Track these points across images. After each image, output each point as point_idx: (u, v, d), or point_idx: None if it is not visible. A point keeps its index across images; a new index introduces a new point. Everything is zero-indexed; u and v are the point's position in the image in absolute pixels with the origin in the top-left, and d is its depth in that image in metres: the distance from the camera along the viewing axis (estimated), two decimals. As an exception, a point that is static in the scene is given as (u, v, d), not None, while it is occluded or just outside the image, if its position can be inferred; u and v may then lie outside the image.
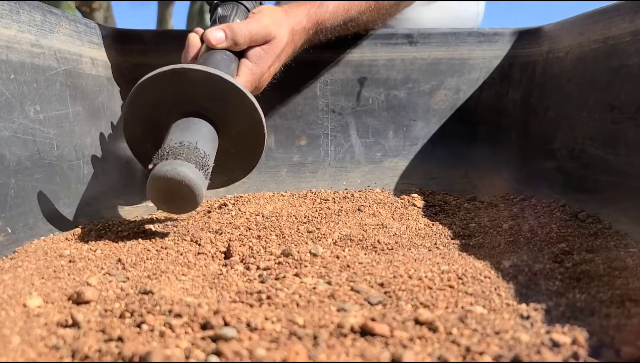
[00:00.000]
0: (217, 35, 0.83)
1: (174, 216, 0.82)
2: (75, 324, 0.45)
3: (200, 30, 0.90)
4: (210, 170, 0.69)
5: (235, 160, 0.78)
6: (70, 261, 0.61)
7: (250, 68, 0.86)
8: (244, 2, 0.95)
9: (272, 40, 0.89)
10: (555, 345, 0.38)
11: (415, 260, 0.62)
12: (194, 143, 0.68)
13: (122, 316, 0.46)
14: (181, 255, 0.66)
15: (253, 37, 0.86)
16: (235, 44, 0.85)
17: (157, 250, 0.67)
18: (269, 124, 1.20)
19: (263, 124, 0.75)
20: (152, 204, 0.95)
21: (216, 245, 0.69)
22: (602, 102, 0.88)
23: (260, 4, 0.99)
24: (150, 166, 0.66)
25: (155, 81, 0.71)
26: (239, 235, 0.72)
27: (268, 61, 0.89)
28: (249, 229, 0.75)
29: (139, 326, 0.44)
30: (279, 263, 0.62)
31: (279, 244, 0.68)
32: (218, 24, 0.90)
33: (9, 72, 0.74)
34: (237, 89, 0.72)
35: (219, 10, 0.94)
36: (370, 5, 1.07)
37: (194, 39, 0.88)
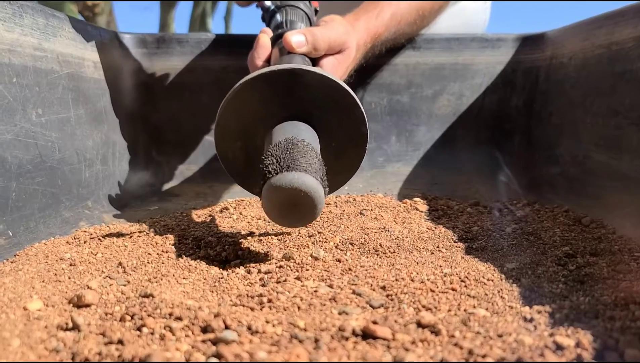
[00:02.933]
0: (298, 39, 0.80)
1: (176, 219, 0.81)
2: (75, 327, 0.45)
3: (268, 31, 0.87)
4: (326, 179, 0.63)
5: (331, 172, 0.68)
6: (70, 265, 0.61)
7: None
8: (302, 7, 0.93)
9: (346, 51, 0.87)
10: (559, 347, 0.38)
11: (417, 263, 0.61)
12: (311, 147, 0.64)
13: (122, 319, 0.46)
14: (182, 258, 0.65)
15: (331, 45, 0.84)
16: (315, 49, 0.81)
17: (157, 254, 0.67)
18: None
19: (366, 140, 0.71)
20: (155, 207, 0.96)
21: (217, 248, 0.69)
22: (605, 108, 0.88)
23: (316, 11, 0.98)
24: (267, 175, 0.61)
25: (263, 79, 0.68)
26: (240, 238, 0.72)
27: (340, 72, 0.86)
28: (250, 233, 0.74)
29: (139, 329, 0.44)
30: (280, 266, 0.61)
31: (280, 248, 0.68)
32: (287, 27, 0.87)
33: (12, 75, 0.74)
34: (352, 99, 0.69)
35: (281, 15, 0.91)
36: (419, 15, 1.06)
37: (264, 40, 0.85)
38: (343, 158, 0.72)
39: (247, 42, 1.17)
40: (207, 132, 1.20)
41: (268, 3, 0.95)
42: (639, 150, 0.78)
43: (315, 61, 0.84)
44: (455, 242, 0.70)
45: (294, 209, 0.60)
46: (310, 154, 0.63)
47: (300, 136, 0.65)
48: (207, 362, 0.38)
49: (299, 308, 0.48)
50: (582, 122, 0.95)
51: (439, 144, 1.22)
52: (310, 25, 0.93)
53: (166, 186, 1.12)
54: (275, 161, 0.61)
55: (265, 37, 0.85)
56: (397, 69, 1.20)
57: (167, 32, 5.98)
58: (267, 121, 0.69)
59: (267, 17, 0.96)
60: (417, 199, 0.92)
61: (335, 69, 0.85)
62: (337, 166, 0.70)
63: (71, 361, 0.39)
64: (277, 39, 0.85)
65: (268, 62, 0.84)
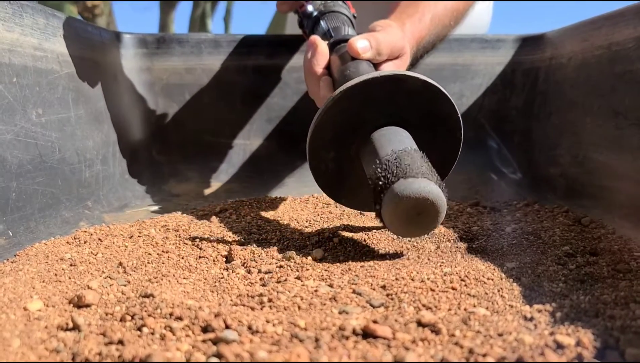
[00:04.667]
0: (363, 44, 0.78)
1: (176, 219, 0.81)
2: (75, 327, 0.45)
3: (318, 38, 0.85)
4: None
5: None
6: (71, 265, 0.61)
7: None
8: (345, 13, 0.93)
9: (403, 56, 0.86)
10: (560, 346, 0.38)
11: (417, 262, 0.61)
12: (422, 154, 0.64)
13: (122, 319, 0.46)
14: (182, 258, 0.65)
15: (392, 50, 0.82)
16: (379, 54, 0.80)
17: (158, 254, 0.67)
18: (272, 129, 1.20)
19: (460, 146, 0.72)
20: (155, 208, 0.96)
21: (217, 248, 0.69)
22: (605, 108, 0.88)
23: (354, 16, 0.97)
24: (386, 184, 0.60)
25: (363, 86, 0.66)
26: (241, 239, 0.72)
27: None
28: (251, 233, 0.74)
29: (139, 329, 0.44)
30: (281, 266, 0.61)
31: (281, 248, 0.68)
32: (333, 35, 0.87)
33: (12, 75, 0.74)
34: (452, 105, 0.69)
35: (325, 22, 0.90)
36: (453, 17, 1.06)
37: (323, 47, 0.83)
38: (434, 162, 0.67)
39: (247, 42, 1.18)
40: (207, 132, 1.20)
41: (310, 8, 0.94)
42: (639, 150, 0.78)
43: (375, 67, 0.82)
44: (455, 242, 0.70)
45: (417, 217, 0.59)
46: (427, 162, 0.62)
47: (406, 144, 0.64)
48: (207, 362, 0.38)
49: (299, 307, 0.48)
50: (582, 123, 0.95)
51: (439, 145, 1.21)
52: (355, 29, 0.92)
53: (166, 187, 1.12)
54: (393, 170, 0.60)
55: (323, 44, 0.84)
56: (397, 69, 1.20)
57: (167, 32, 5.97)
58: (363, 129, 0.68)
59: (310, 23, 0.94)
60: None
61: None
62: None
63: (71, 361, 0.39)
64: (334, 46, 0.84)
65: (327, 68, 0.83)
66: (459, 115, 0.70)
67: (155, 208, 0.96)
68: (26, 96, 0.76)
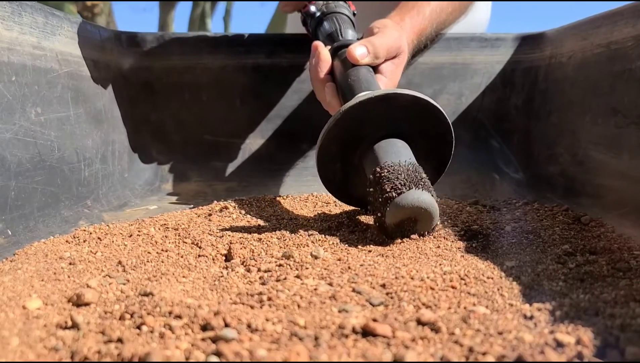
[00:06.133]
0: (361, 51, 0.84)
1: (175, 218, 0.81)
2: (74, 326, 0.44)
3: (321, 44, 0.90)
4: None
5: None
6: (70, 264, 0.61)
7: (385, 83, 0.87)
8: (346, 13, 0.98)
9: (401, 54, 0.90)
10: (559, 345, 0.38)
11: (417, 261, 0.61)
12: (416, 164, 0.72)
13: (122, 318, 0.46)
14: (182, 257, 0.65)
15: (389, 51, 0.87)
16: (377, 57, 0.86)
17: (157, 253, 0.66)
18: (271, 128, 1.20)
19: (452, 147, 0.80)
20: (155, 206, 0.95)
21: (217, 247, 0.69)
22: (605, 107, 0.88)
23: (354, 14, 1.01)
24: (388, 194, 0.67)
25: (362, 105, 0.73)
26: (240, 237, 0.72)
27: (398, 75, 0.91)
28: (250, 232, 0.74)
29: (138, 327, 0.43)
30: (280, 265, 0.61)
31: (280, 247, 0.68)
32: (338, 36, 0.93)
33: (10, 74, 0.73)
34: (440, 113, 0.76)
35: (329, 23, 0.96)
36: (455, 5, 1.08)
37: (325, 54, 0.88)
38: (430, 164, 0.79)
39: (246, 42, 1.18)
40: (206, 131, 1.20)
41: (313, 9, 0.99)
42: (639, 149, 0.78)
43: (375, 68, 0.88)
44: (455, 241, 0.70)
45: (413, 224, 0.68)
46: (420, 171, 0.70)
47: (402, 154, 0.73)
48: (207, 361, 0.38)
49: (298, 306, 0.48)
50: (582, 122, 0.95)
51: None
52: (355, 28, 0.97)
53: (166, 185, 1.12)
54: (393, 181, 0.67)
55: (325, 51, 0.89)
56: (397, 68, 1.20)
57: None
58: (364, 142, 0.76)
59: (313, 23, 0.99)
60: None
61: (394, 73, 0.89)
62: (425, 172, 0.75)
63: (70, 360, 0.39)
64: (336, 51, 0.89)
65: (330, 74, 0.88)
66: (448, 120, 0.77)
67: (155, 206, 0.96)
68: (25, 94, 0.76)
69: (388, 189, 0.67)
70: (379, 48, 0.85)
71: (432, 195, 0.67)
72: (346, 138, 0.76)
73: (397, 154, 0.72)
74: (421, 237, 0.69)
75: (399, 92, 0.74)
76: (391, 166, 0.70)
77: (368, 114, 0.74)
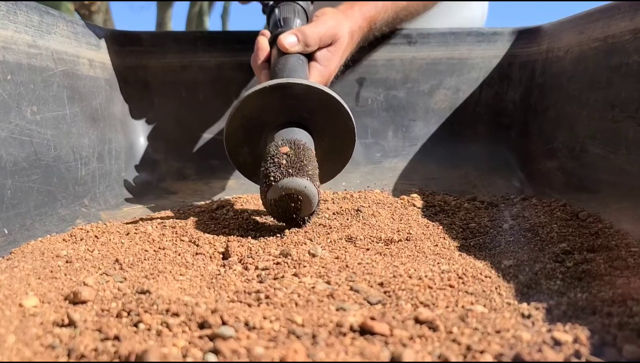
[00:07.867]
0: (290, 40, 0.87)
1: (173, 216, 0.81)
2: (71, 323, 0.44)
3: (267, 33, 0.94)
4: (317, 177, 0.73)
5: (326, 164, 0.81)
6: (67, 262, 0.61)
7: (320, 70, 0.90)
8: (300, 2, 0.99)
9: (337, 42, 0.93)
10: (557, 343, 0.38)
11: (415, 260, 0.61)
12: (303, 148, 0.73)
13: (119, 315, 0.46)
14: (179, 255, 0.65)
15: (322, 39, 0.90)
16: (307, 46, 0.88)
17: (154, 251, 0.66)
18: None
19: (355, 132, 0.81)
20: (152, 205, 0.95)
21: (214, 245, 0.68)
22: (602, 101, 0.88)
23: (312, 1, 1.03)
24: (271, 179, 0.70)
25: (259, 94, 0.77)
26: (238, 235, 0.72)
27: (334, 62, 0.93)
28: (248, 230, 0.74)
29: (135, 325, 0.43)
30: (278, 263, 0.61)
31: (278, 244, 0.68)
32: (282, 25, 0.94)
33: (6, 73, 0.73)
34: (336, 101, 0.78)
35: (278, 11, 0.98)
36: None
37: (263, 43, 0.92)
38: (336, 150, 0.82)
39: (243, 39, 1.18)
40: (203, 129, 1.20)
41: None
42: (636, 143, 0.78)
43: (310, 55, 0.91)
44: (452, 239, 0.70)
45: (294, 207, 0.71)
46: (307, 156, 0.72)
47: (295, 138, 0.74)
48: (204, 361, 0.38)
49: (296, 304, 0.48)
50: (579, 116, 0.95)
51: (436, 139, 1.22)
52: (307, 18, 0.99)
53: (163, 184, 1.12)
54: (272, 169, 0.70)
55: (263, 39, 0.93)
56: (393, 64, 1.20)
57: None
58: (267, 128, 0.80)
59: (267, 12, 1.01)
60: (414, 195, 0.92)
61: (329, 61, 0.92)
62: (332, 158, 0.82)
63: (67, 357, 0.39)
64: (274, 40, 0.92)
65: (268, 61, 0.91)
66: (346, 108, 0.79)
67: (152, 205, 0.96)
68: (21, 93, 0.75)
69: (270, 171, 0.70)
70: (309, 37, 0.88)
71: (310, 180, 0.70)
72: (250, 124, 0.79)
73: (289, 138, 0.74)
74: (307, 221, 0.73)
75: (292, 82, 0.76)
76: (276, 148, 0.72)
77: (267, 102, 0.77)
